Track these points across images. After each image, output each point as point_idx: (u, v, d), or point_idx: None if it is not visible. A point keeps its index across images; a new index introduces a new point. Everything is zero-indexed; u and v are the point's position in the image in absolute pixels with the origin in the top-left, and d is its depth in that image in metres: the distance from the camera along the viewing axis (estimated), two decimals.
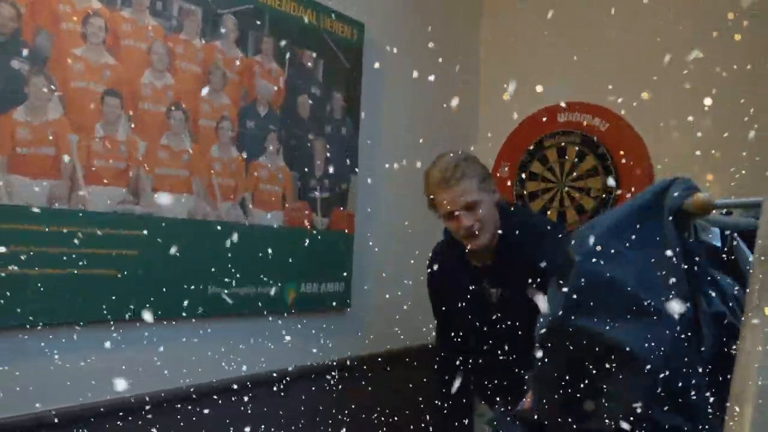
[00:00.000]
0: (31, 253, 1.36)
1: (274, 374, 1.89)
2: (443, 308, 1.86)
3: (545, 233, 1.70)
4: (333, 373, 2.08)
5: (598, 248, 0.73)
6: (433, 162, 1.69)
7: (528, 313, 1.57)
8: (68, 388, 1.45)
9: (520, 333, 1.64)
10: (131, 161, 1.56)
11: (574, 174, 2.65)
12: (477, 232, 1.64)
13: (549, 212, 2.70)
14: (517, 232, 1.68)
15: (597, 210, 2.57)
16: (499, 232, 1.68)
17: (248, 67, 1.84)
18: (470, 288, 1.76)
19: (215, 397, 1.73)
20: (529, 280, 1.60)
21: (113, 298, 1.50)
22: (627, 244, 0.74)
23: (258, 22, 1.86)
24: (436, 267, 1.86)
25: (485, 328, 1.73)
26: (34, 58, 1.38)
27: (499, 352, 1.71)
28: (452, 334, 1.85)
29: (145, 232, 1.57)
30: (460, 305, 1.79)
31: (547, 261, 1.57)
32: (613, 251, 0.73)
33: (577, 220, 2.62)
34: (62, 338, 1.43)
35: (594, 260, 0.72)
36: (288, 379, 1.93)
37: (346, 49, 2.17)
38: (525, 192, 2.78)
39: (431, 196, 1.68)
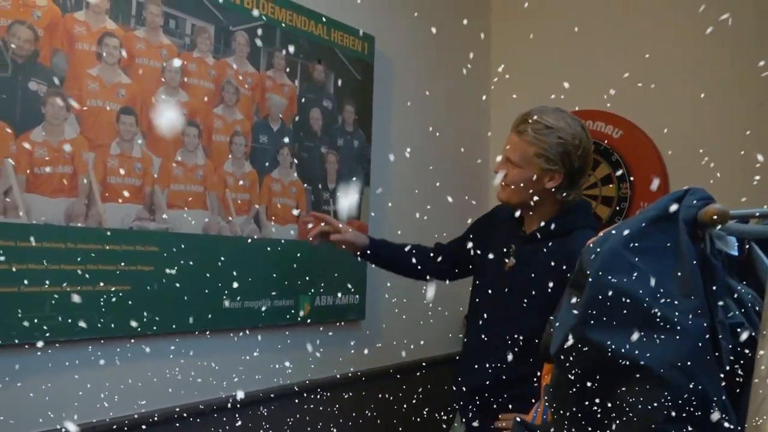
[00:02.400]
0: (49, 270, 1.38)
1: (294, 387, 1.89)
2: (466, 246, 1.81)
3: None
4: (349, 386, 2.07)
5: (612, 260, 0.73)
6: (540, 107, 1.62)
7: (525, 301, 1.55)
8: (84, 404, 1.46)
9: (512, 311, 1.59)
10: (146, 178, 1.58)
11: (589, 182, 2.64)
12: (505, 184, 1.61)
13: None
14: (574, 228, 1.58)
15: (611, 218, 2.55)
16: (555, 218, 1.61)
17: (260, 83, 1.86)
18: (504, 244, 1.70)
19: (230, 411, 1.73)
20: (550, 274, 1.51)
21: (129, 313, 1.51)
22: (641, 256, 0.73)
23: (269, 38, 1.88)
24: (496, 214, 1.83)
25: (489, 295, 1.68)
26: (51, 79, 1.40)
27: (485, 327, 1.65)
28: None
29: (161, 247, 1.59)
30: (486, 256, 1.72)
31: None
32: (626, 263, 0.73)
33: None
34: (78, 354, 1.45)
35: (608, 273, 0.72)
36: (304, 392, 1.93)
37: (357, 63, 2.18)
38: None
39: None
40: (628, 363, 0.69)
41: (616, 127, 2.57)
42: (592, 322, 0.71)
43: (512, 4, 2.94)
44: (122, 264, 1.51)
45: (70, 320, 1.41)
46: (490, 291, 1.68)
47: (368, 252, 1.83)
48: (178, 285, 1.61)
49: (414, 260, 1.82)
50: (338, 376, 2.06)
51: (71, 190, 1.43)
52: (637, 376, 0.69)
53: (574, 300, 0.76)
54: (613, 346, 0.69)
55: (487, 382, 1.62)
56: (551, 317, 0.96)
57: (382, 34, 2.29)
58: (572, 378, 0.74)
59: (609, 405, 0.70)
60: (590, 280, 0.72)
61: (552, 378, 0.79)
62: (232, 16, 1.78)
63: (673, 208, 0.78)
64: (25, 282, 1.34)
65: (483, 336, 1.65)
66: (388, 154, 2.36)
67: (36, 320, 1.35)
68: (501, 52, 2.98)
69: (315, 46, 2.02)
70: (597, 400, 0.71)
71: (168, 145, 1.62)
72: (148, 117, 1.58)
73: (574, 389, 0.73)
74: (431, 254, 1.87)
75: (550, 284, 1.52)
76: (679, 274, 0.74)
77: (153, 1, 1.60)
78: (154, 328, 1.57)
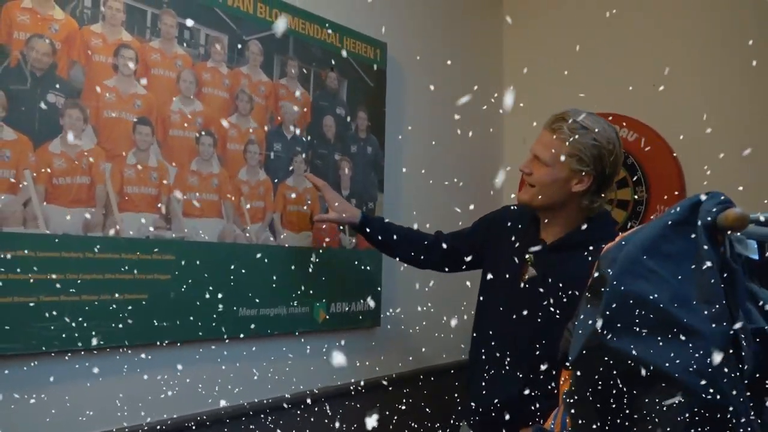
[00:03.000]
0: (67, 280, 1.39)
1: (312, 391, 1.89)
2: (474, 242, 1.76)
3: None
4: (365, 393, 2.07)
5: (631, 266, 0.72)
6: (574, 109, 1.58)
7: (547, 315, 1.50)
8: (100, 413, 1.47)
9: (528, 331, 1.54)
10: (162, 187, 1.59)
11: None
12: (529, 184, 1.56)
13: None
14: (595, 235, 1.52)
15: (628, 222, 2.52)
16: (582, 227, 1.55)
17: (274, 91, 1.87)
18: (517, 252, 1.62)
19: (245, 419, 1.73)
20: (576, 288, 1.45)
21: (146, 322, 1.52)
22: (660, 262, 0.72)
23: (282, 46, 1.90)
24: (510, 213, 1.76)
25: (501, 304, 1.62)
26: (68, 91, 1.42)
27: (497, 340, 1.60)
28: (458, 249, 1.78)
29: (177, 256, 1.60)
30: (496, 262, 1.67)
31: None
32: (645, 269, 0.72)
33: None
34: (96, 363, 1.46)
35: (627, 278, 0.71)
36: (320, 399, 1.93)
37: (370, 69, 2.19)
38: None
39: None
40: (648, 370, 0.68)
41: (631, 130, 2.55)
42: (611, 328, 0.70)
43: (525, 8, 2.94)
44: (139, 273, 1.52)
45: (87, 329, 1.42)
46: (505, 302, 1.62)
47: (361, 228, 1.83)
48: (194, 293, 1.62)
49: (411, 245, 1.81)
50: (356, 382, 2.06)
51: (89, 200, 1.45)
52: (658, 382, 0.68)
53: (592, 306, 0.75)
54: (633, 353, 0.68)
55: (513, 399, 1.55)
56: (569, 324, 0.95)
57: (394, 40, 2.30)
58: (592, 385, 0.73)
59: (630, 412, 0.69)
60: (609, 286, 0.72)
61: (571, 385, 0.78)
62: (246, 26, 1.79)
63: (692, 212, 0.77)
64: (44, 291, 1.35)
65: (503, 350, 1.58)
66: (401, 160, 2.36)
67: (54, 329, 1.36)
68: (514, 57, 2.97)
69: (328, 53, 2.03)
70: (617, 408, 0.70)
71: (183, 154, 1.64)
72: (163, 126, 1.60)
73: (594, 396, 0.73)
74: (428, 242, 1.83)
75: (577, 295, 1.48)
76: (699, 278, 0.73)
77: (167, 12, 1.61)
78: (171, 336, 1.58)
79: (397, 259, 1.88)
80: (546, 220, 1.61)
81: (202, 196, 1.68)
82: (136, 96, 1.55)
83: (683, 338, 0.67)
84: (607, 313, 0.70)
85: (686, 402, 0.66)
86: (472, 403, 1.68)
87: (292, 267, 1.88)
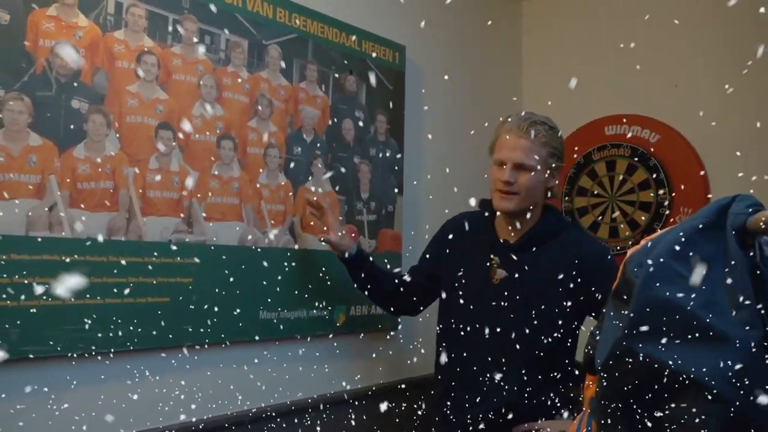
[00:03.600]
0: (91, 284, 1.41)
1: (331, 393, 1.89)
2: (439, 260, 1.75)
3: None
4: (384, 395, 2.06)
5: (659, 270, 0.71)
6: (519, 112, 1.63)
7: (528, 311, 1.53)
8: (124, 416, 1.48)
9: (511, 331, 1.54)
10: (184, 191, 1.60)
11: (625, 188, 2.59)
12: (512, 192, 1.56)
13: (600, 228, 2.64)
14: (556, 228, 1.62)
15: (651, 224, 2.49)
16: (541, 221, 1.63)
17: (293, 95, 1.88)
18: (479, 257, 1.65)
19: (265, 421, 1.74)
20: (549, 280, 1.54)
21: (168, 325, 1.54)
22: (689, 266, 0.71)
23: (301, 50, 1.90)
24: (461, 219, 1.78)
25: (474, 311, 1.62)
26: (92, 97, 1.44)
27: (477, 346, 1.58)
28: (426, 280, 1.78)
29: (198, 259, 1.61)
30: (459, 271, 1.67)
31: (583, 276, 1.53)
32: (674, 273, 0.71)
33: (631, 235, 2.54)
34: (118, 366, 1.47)
35: (655, 283, 0.70)
36: (340, 402, 1.93)
37: (388, 72, 2.19)
38: (574, 207, 2.72)
39: (495, 138, 1.63)
40: (678, 376, 0.67)
41: (653, 131, 2.52)
42: (639, 334, 0.69)
43: (544, 9, 2.92)
44: (161, 276, 1.53)
45: (111, 333, 1.43)
46: (478, 307, 1.62)
47: (348, 260, 1.77)
48: (215, 297, 1.63)
49: (387, 289, 1.80)
50: (375, 384, 2.06)
51: (112, 204, 1.47)
52: (688, 389, 0.67)
53: (619, 311, 0.74)
54: (663, 359, 0.67)
55: (507, 403, 1.55)
56: (593, 329, 0.94)
57: (412, 43, 2.29)
58: (620, 391, 0.72)
59: (659, 419, 0.68)
60: (637, 291, 0.70)
61: (598, 391, 0.77)
62: (265, 31, 1.80)
63: (720, 215, 0.76)
64: (69, 295, 1.37)
65: (492, 355, 1.57)
66: (421, 163, 2.35)
67: (79, 333, 1.38)
68: (533, 59, 2.95)
69: (346, 56, 2.04)
70: (645, 414, 0.69)
71: (204, 158, 1.65)
72: (185, 131, 1.61)
73: (622, 402, 0.72)
74: (399, 283, 1.81)
75: (559, 289, 1.53)
76: (729, 282, 0.71)
77: (189, 18, 1.63)
78: (193, 339, 1.59)
79: (371, 298, 1.85)
80: (517, 222, 1.62)
81: (222, 200, 1.69)
82: (158, 101, 1.56)
83: (713, 343, 0.66)
84: (636, 318, 0.69)
85: (716, 408, 0.64)
86: (452, 417, 1.65)
87: (313, 270, 1.88)
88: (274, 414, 1.75)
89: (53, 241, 1.36)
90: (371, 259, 1.83)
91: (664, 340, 0.68)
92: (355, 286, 1.82)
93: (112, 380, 1.47)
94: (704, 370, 0.67)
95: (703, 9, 2.44)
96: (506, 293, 1.58)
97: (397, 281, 1.82)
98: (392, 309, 1.89)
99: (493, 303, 1.59)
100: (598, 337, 0.79)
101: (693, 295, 0.69)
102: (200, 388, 1.63)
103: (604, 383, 0.75)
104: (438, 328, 1.77)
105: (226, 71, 1.71)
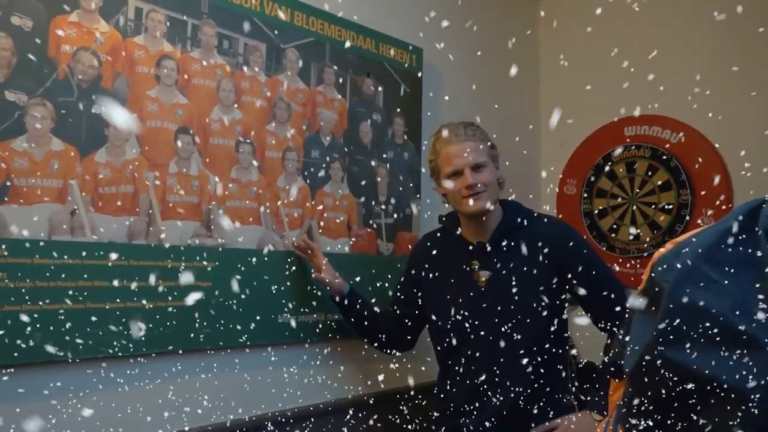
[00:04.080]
0: (112, 287, 1.42)
1: (352, 397, 1.89)
2: (418, 284, 1.76)
3: (553, 221, 1.69)
4: (401, 399, 2.05)
5: (689, 274, 0.69)
6: (441, 126, 1.70)
7: (521, 302, 1.56)
8: (141, 419, 1.49)
9: (509, 326, 1.57)
10: (203, 195, 1.61)
11: (646, 189, 2.55)
12: (479, 192, 1.60)
13: (620, 230, 2.60)
14: (520, 218, 1.65)
15: (672, 226, 2.46)
16: (504, 216, 1.68)
17: (311, 98, 1.88)
18: (458, 266, 1.67)
19: (283, 425, 1.74)
20: (531, 269, 1.57)
21: (187, 328, 1.54)
22: (719, 270, 0.69)
23: (319, 54, 1.90)
24: (426, 240, 1.82)
25: (468, 318, 1.62)
26: (113, 102, 1.45)
27: (479, 352, 1.60)
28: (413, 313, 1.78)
29: (217, 263, 1.61)
30: (441, 286, 1.69)
31: (554, 249, 1.58)
32: (704, 278, 0.69)
33: (652, 237, 2.51)
34: (138, 369, 1.48)
35: (685, 288, 0.68)
36: (359, 405, 1.92)
37: (406, 75, 2.18)
38: (593, 210, 2.69)
39: (436, 157, 1.67)
40: (710, 382, 0.65)
41: (674, 132, 2.48)
42: (670, 339, 0.67)
43: (562, 11, 2.89)
44: (181, 280, 1.54)
45: (132, 336, 1.44)
46: (472, 313, 1.63)
47: (343, 302, 1.76)
48: (234, 300, 1.64)
49: (380, 326, 1.80)
50: (393, 389, 2.04)
51: (133, 208, 1.48)
52: (722, 396, 0.65)
53: (647, 316, 0.73)
54: (695, 366, 0.65)
55: (523, 398, 1.57)
56: (618, 333, 0.92)
57: (430, 46, 2.29)
58: (650, 397, 0.71)
59: (690, 426, 0.66)
60: (667, 296, 0.69)
61: (625, 397, 0.76)
62: (283, 34, 1.81)
63: (751, 218, 0.74)
64: (91, 299, 1.38)
65: (495, 357, 1.58)
66: None
67: (101, 336, 1.39)
68: (551, 61, 2.93)
69: (364, 59, 2.04)
70: (677, 422, 0.68)
71: (223, 162, 1.66)
72: (204, 135, 1.62)
73: (652, 409, 0.70)
74: (393, 325, 1.82)
75: (542, 274, 1.58)
76: (762, 287, 0.69)
77: (207, 23, 1.64)
78: (212, 343, 1.59)
79: (365, 338, 1.85)
80: (485, 221, 1.65)
81: (241, 203, 1.69)
82: (177, 105, 1.57)
83: (747, 349, 0.64)
84: (667, 324, 0.67)
85: (752, 417, 0.63)
86: (460, 421, 1.65)
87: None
88: (292, 420, 1.75)
89: (75, 245, 1.37)
90: (365, 300, 1.81)
91: (695, 346, 0.66)
92: (349, 325, 1.83)
93: (133, 384, 1.47)
94: (738, 376, 0.65)
95: (732, 4, 2.40)
96: (496, 291, 1.61)
97: (389, 319, 1.82)
98: (387, 349, 1.86)
99: (485, 304, 1.62)
100: (627, 342, 0.78)
101: (725, 300, 0.67)
102: (219, 391, 1.63)
103: (633, 389, 0.73)
104: (436, 351, 1.78)
105: (244, 75, 1.71)
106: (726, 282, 0.68)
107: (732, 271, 0.69)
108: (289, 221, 1.80)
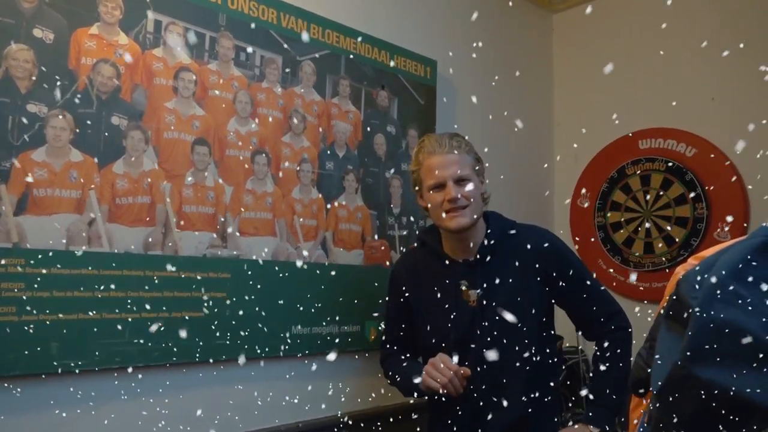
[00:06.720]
0: (129, 297, 1.42)
1: (366, 409, 1.87)
2: (405, 309, 1.66)
3: (538, 231, 1.62)
4: (417, 410, 2.04)
5: (718, 292, 0.68)
6: (425, 136, 1.62)
7: (515, 318, 1.49)
8: (158, 430, 1.49)
9: (504, 342, 1.50)
10: (219, 206, 1.61)
11: (660, 203, 2.53)
12: (462, 207, 1.52)
13: (634, 243, 2.58)
14: (505, 231, 1.60)
15: (688, 240, 2.43)
16: (488, 230, 1.60)
17: (326, 110, 1.89)
18: (445, 287, 1.58)
19: None
20: (520, 283, 1.53)
21: (202, 339, 1.54)
22: (748, 287, 0.68)
23: (334, 66, 1.91)
24: (405, 263, 1.70)
25: (460, 338, 1.54)
26: (131, 113, 1.46)
27: (473, 372, 1.50)
28: (404, 339, 1.68)
29: (232, 274, 1.61)
30: (429, 308, 1.60)
31: (543, 260, 1.54)
32: (734, 295, 0.68)
33: (667, 251, 2.49)
34: (153, 379, 1.48)
35: (714, 305, 0.67)
36: (375, 417, 1.91)
37: (420, 87, 2.19)
38: (607, 223, 2.68)
39: (418, 168, 1.57)
40: (741, 401, 0.64)
41: (688, 145, 2.47)
42: (700, 358, 0.66)
43: (575, 23, 2.90)
44: (196, 291, 1.54)
45: (147, 346, 1.44)
46: (466, 334, 1.55)
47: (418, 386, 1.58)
48: (248, 311, 1.63)
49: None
50: (408, 401, 2.03)
51: (149, 219, 1.48)
52: (751, 414, 0.64)
53: (674, 333, 0.72)
54: (725, 384, 0.64)
55: (518, 418, 1.52)
56: (641, 350, 0.91)
57: (444, 58, 2.29)
58: (678, 416, 0.69)
59: None
60: (695, 313, 0.68)
61: (652, 414, 0.75)
62: (299, 47, 1.82)
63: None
64: (107, 309, 1.38)
65: (481, 378, 1.52)
66: None
67: (115, 346, 1.39)
68: (564, 73, 2.93)
69: (378, 72, 2.04)
70: None
71: (239, 173, 1.66)
72: (220, 147, 1.62)
73: (680, 427, 0.69)
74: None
75: (530, 287, 1.54)
76: None
77: (225, 35, 1.65)
78: (227, 353, 1.59)
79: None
80: (469, 236, 1.57)
81: (256, 215, 1.69)
82: (194, 117, 1.58)
83: None
84: (695, 341, 0.66)
85: None
86: None
87: (344, 285, 1.87)
88: (308, 430, 1.74)
89: (92, 256, 1.37)
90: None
91: (726, 364, 0.65)
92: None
93: (148, 394, 1.47)
94: (766, 394, 0.64)
95: (742, 19, 2.39)
96: (487, 310, 1.54)
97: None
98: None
99: (485, 323, 1.54)
100: (654, 359, 0.77)
101: (754, 318, 0.66)
102: (232, 403, 1.62)
103: (659, 408, 0.72)
104: None
105: (260, 87, 1.72)
106: (755, 299, 0.67)
107: (760, 288, 0.68)
108: (303, 233, 1.80)
